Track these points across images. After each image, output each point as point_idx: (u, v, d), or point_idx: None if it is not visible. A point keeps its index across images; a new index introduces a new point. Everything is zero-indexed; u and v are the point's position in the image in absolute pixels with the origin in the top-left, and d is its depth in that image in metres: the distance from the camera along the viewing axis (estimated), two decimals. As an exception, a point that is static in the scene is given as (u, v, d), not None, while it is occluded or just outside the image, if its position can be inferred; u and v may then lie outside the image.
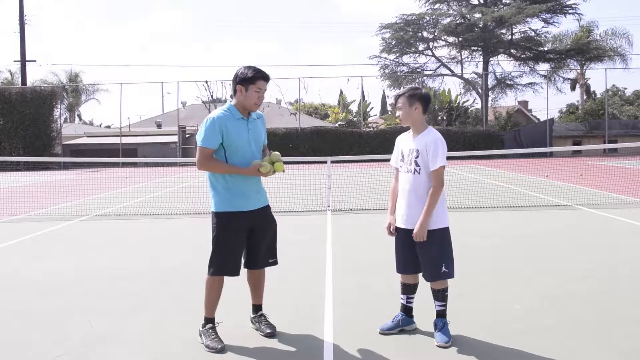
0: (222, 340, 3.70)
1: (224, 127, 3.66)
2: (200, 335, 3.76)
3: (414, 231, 3.61)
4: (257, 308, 4.03)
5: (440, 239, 3.66)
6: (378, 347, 3.63)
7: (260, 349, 3.68)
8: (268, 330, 3.89)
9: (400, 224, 3.77)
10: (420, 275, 3.84)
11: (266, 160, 3.77)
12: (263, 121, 3.99)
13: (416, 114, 3.72)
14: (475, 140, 34.92)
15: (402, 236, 3.78)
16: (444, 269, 3.68)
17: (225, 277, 3.79)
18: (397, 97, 3.79)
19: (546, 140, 36.26)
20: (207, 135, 3.66)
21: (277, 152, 3.83)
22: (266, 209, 3.91)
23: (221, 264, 3.73)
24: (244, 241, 3.79)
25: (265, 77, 3.74)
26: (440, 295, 3.75)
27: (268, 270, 4.01)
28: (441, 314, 3.76)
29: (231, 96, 3.86)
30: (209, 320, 3.78)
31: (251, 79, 3.68)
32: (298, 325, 4.07)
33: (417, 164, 3.69)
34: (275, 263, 3.97)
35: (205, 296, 3.80)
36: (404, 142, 3.84)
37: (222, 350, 3.61)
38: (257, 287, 4.01)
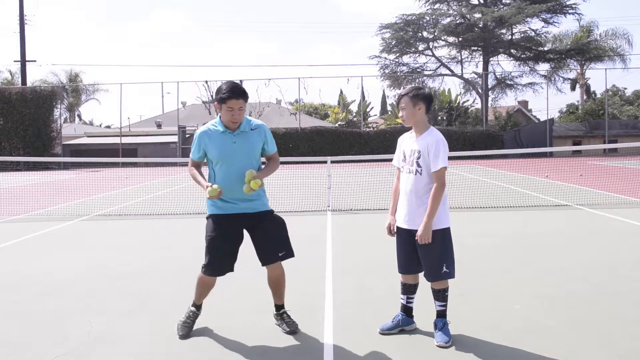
0: (192, 328, 3.96)
1: (205, 143, 3.84)
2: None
3: (418, 233, 3.60)
4: (277, 307, 4.08)
5: (441, 240, 3.65)
6: (378, 347, 3.63)
7: (261, 348, 3.69)
8: (288, 329, 3.94)
9: (402, 224, 3.77)
10: (420, 275, 3.85)
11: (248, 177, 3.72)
12: (261, 131, 3.90)
13: (419, 114, 3.71)
14: (475, 140, 34.94)
15: (403, 236, 3.78)
16: (444, 269, 3.67)
17: (225, 278, 3.90)
18: (400, 97, 3.76)
19: (546, 140, 36.28)
20: (193, 149, 3.94)
21: (249, 171, 3.75)
22: (263, 214, 3.90)
23: (205, 264, 3.87)
24: (230, 245, 3.84)
25: (236, 96, 3.69)
26: (440, 295, 3.75)
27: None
28: (441, 314, 3.76)
29: None
30: (194, 304, 4.06)
31: (221, 100, 3.72)
32: (298, 325, 4.07)
33: (418, 165, 3.68)
34: (287, 256, 3.91)
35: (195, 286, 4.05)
36: (406, 143, 3.83)
37: (182, 337, 3.86)
38: (275, 288, 4.02)
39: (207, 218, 3.93)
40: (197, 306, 4.06)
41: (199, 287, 4.00)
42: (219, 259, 3.83)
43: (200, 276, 3.96)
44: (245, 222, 3.86)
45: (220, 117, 3.84)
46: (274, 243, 3.88)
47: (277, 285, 4.01)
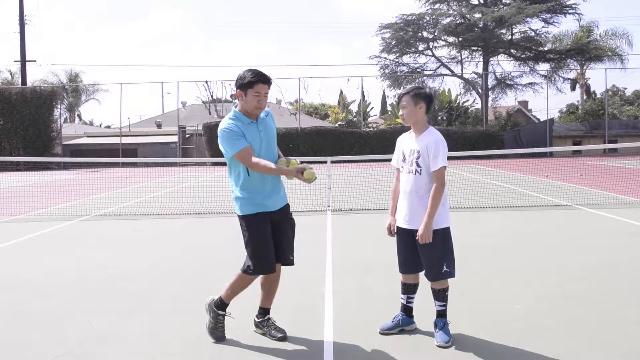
0: (224, 333, 3.85)
1: (241, 132, 3.65)
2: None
3: (419, 233, 3.60)
4: (264, 311, 3.95)
5: (441, 239, 3.66)
6: (378, 347, 3.63)
7: (261, 349, 3.68)
8: (279, 335, 3.82)
9: (402, 224, 3.77)
10: (420, 274, 3.85)
11: (291, 165, 3.70)
12: (272, 117, 3.94)
13: (420, 113, 3.72)
14: (475, 140, 34.91)
15: (404, 236, 3.78)
16: (445, 268, 3.68)
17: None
18: (401, 96, 3.77)
19: (546, 140, 36.27)
20: (236, 140, 3.61)
21: (284, 160, 3.76)
22: (285, 208, 3.89)
23: (257, 265, 3.71)
24: (271, 239, 3.79)
25: (264, 80, 3.63)
26: (440, 295, 3.75)
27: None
28: (441, 314, 3.76)
29: (231, 96, 3.82)
30: (223, 303, 3.87)
31: (249, 84, 3.61)
32: (298, 325, 4.07)
33: (418, 165, 3.68)
34: (294, 261, 3.90)
35: (230, 286, 3.86)
36: (405, 143, 3.84)
37: (217, 339, 3.79)
38: (271, 289, 3.93)
39: (240, 218, 3.76)
40: (226, 305, 3.90)
41: (238, 288, 3.84)
42: (268, 257, 3.72)
43: (243, 277, 3.79)
44: (272, 220, 3.78)
45: (236, 109, 3.73)
46: (290, 245, 3.86)
47: (273, 286, 3.92)
